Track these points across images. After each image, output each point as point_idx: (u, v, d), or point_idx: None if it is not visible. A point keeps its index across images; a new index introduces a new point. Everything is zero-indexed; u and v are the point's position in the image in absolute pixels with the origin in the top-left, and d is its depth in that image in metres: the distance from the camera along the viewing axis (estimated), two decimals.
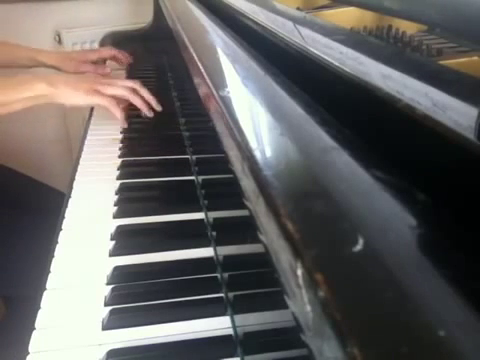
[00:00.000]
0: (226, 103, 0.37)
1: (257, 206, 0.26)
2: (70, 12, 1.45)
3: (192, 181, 0.69)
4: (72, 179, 0.70)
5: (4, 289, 0.89)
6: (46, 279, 0.50)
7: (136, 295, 0.48)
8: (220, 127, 0.37)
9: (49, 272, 0.51)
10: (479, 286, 0.18)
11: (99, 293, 0.49)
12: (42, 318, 0.45)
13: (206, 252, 0.55)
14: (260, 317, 0.39)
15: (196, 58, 0.51)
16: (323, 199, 0.23)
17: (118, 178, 0.70)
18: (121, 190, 0.67)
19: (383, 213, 0.22)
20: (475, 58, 0.39)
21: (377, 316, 0.16)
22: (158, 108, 0.84)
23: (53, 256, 0.54)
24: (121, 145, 0.81)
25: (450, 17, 0.29)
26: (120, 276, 0.51)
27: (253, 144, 0.29)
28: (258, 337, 0.39)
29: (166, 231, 0.59)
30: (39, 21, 1.43)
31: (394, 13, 0.39)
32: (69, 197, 0.66)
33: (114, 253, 0.54)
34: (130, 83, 0.84)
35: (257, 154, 0.28)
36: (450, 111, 0.25)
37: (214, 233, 0.56)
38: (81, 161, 0.76)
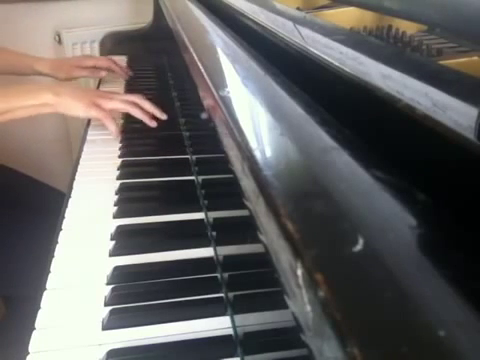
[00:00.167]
0: (226, 103, 0.37)
1: (257, 206, 0.26)
2: (70, 12, 1.45)
3: (192, 181, 0.69)
4: (72, 179, 0.70)
5: (4, 289, 0.89)
6: (46, 279, 0.50)
7: (136, 295, 0.48)
8: (220, 127, 0.37)
9: (49, 272, 0.51)
10: (479, 286, 0.18)
11: (99, 293, 0.49)
12: (42, 318, 0.45)
13: (206, 252, 0.55)
14: (260, 317, 0.39)
15: (196, 58, 0.51)
16: (323, 199, 0.23)
17: (118, 178, 0.70)
18: (121, 190, 0.67)
19: (383, 213, 0.22)
20: (475, 58, 0.39)
21: (377, 316, 0.16)
22: (163, 117, 0.84)
23: (53, 256, 0.54)
24: (121, 145, 0.81)
25: (450, 17, 0.29)
26: (120, 276, 0.51)
27: (253, 144, 0.29)
28: (258, 337, 0.39)
29: (166, 231, 0.59)
30: (39, 21, 1.43)
31: (394, 13, 0.39)
32: (69, 197, 0.66)
33: (114, 253, 0.54)
34: (131, 97, 0.85)
35: (257, 154, 0.28)
36: (450, 111, 0.25)
37: (214, 233, 0.56)
38: (81, 161, 0.76)
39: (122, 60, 1.31)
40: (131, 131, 0.86)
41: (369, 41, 0.47)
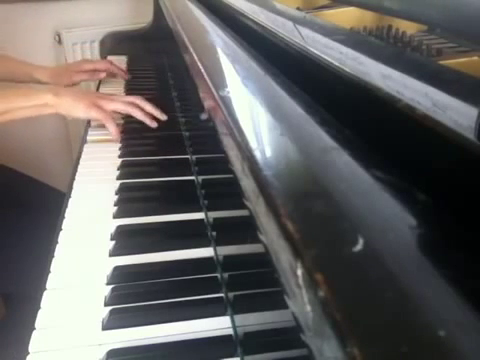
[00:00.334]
0: (226, 103, 0.37)
1: (257, 206, 0.26)
2: (70, 12, 1.45)
3: (192, 181, 0.69)
4: (72, 179, 0.70)
5: (4, 289, 0.89)
6: (46, 279, 0.50)
7: (136, 295, 0.48)
8: (220, 127, 0.37)
9: (49, 272, 0.51)
10: (479, 286, 0.18)
11: (99, 293, 0.49)
12: (42, 318, 0.45)
13: (206, 252, 0.55)
14: (260, 317, 0.39)
15: (196, 58, 0.51)
16: (323, 199, 0.23)
17: (118, 178, 0.70)
18: (121, 190, 0.67)
19: (383, 213, 0.22)
20: (475, 58, 0.39)
21: (377, 316, 0.16)
22: (162, 117, 0.84)
23: (53, 256, 0.54)
24: (121, 145, 0.81)
25: (450, 17, 0.29)
26: (120, 276, 0.51)
27: (253, 144, 0.29)
28: (258, 337, 0.39)
29: (166, 231, 0.59)
30: (39, 21, 1.43)
31: (394, 13, 0.39)
32: (69, 197, 0.66)
33: (114, 253, 0.54)
34: (131, 98, 0.86)
35: (257, 154, 0.28)
36: (450, 111, 0.25)
37: (214, 233, 0.56)
38: (81, 161, 0.76)
39: (122, 60, 1.31)
40: (131, 131, 0.86)
41: (369, 41, 0.47)
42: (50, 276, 0.51)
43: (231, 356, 0.42)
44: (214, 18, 0.70)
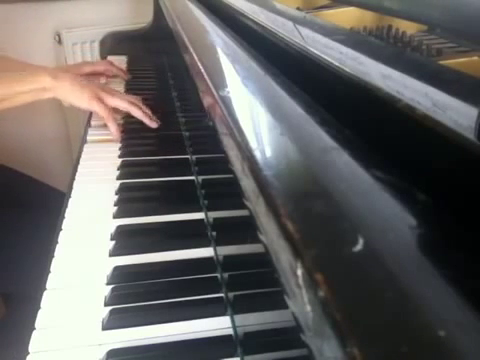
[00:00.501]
0: (226, 103, 0.37)
1: (257, 206, 0.26)
2: (70, 12, 1.45)
3: (192, 181, 0.69)
4: (72, 179, 0.70)
5: (4, 288, 0.89)
6: (46, 279, 0.50)
7: (136, 295, 0.48)
8: (220, 127, 0.37)
9: (49, 272, 0.51)
10: (479, 286, 0.18)
11: (99, 293, 0.49)
12: (42, 318, 0.45)
13: (206, 252, 0.55)
14: (260, 317, 0.39)
15: (196, 58, 0.51)
16: (323, 199, 0.23)
17: (118, 178, 0.70)
18: (121, 190, 0.67)
19: (383, 213, 0.22)
20: (475, 58, 0.39)
21: (377, 316, 0.16)
22: (153, 125, 0.84)
23: (53, 256, 0.54)
24: (121, 145, 0.81)
25: (450, 17, 0.29)
26: (120, 276, 0.51)
27: (253, 144, 0.29)
28: (258, 337, 0.39)
29: (166, 231, 0.59)
30: (39, 21, 1.43)
31: (394, 13, 0.39)
32: (69, 197, 0.66)
33: (114, 253, 0.54)
34: (132, 98, 0.85)
35: (257, 154, 0.28)
36: (450, 111, 0.25)
37: (214, 233, 0.56)
38: (81, 161, 0.76)
39: (122, 60, 1.31)
40: (131, 131, 0.86)
41: (369, 41, 0.47)
42: (50, 276, 0.51)
43: (231, 356, 0.42)
44: (214, 18, 0.70)
